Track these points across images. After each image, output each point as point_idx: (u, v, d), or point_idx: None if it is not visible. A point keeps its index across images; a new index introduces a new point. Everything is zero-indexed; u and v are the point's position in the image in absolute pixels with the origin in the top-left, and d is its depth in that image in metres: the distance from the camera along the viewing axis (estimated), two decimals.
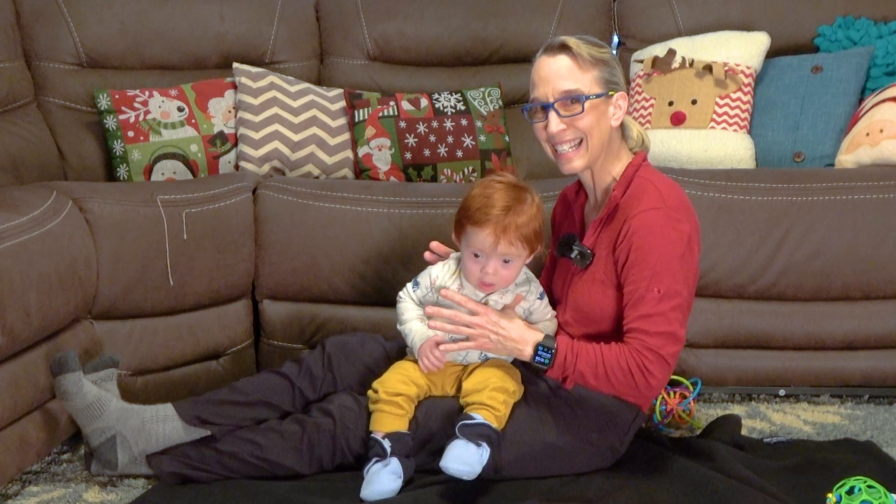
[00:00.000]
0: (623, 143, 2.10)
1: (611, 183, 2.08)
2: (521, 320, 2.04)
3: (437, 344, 2.01)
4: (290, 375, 2.14)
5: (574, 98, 2.00)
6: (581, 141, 2.03)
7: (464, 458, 1.90)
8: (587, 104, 2.00)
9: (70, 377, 2.01)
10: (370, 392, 2.07)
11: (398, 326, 2.09)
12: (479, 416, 1.96)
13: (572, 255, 2.08)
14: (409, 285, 2.10)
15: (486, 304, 2.04)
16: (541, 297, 2.10)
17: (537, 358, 1.98)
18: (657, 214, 1.96)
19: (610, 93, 2.02)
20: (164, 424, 2.05)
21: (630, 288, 1.96)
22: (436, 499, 1.94)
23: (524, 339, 1.99)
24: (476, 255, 1.99)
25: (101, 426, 2.04)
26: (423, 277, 2.09)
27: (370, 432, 2.03)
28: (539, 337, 1.99)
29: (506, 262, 1.99)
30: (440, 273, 2.08)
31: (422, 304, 2.09)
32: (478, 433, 1.94)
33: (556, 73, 2.01)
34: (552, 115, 2.01)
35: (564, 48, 2.01)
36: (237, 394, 2.11)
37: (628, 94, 2.10)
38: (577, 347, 1.97)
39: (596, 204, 2.13)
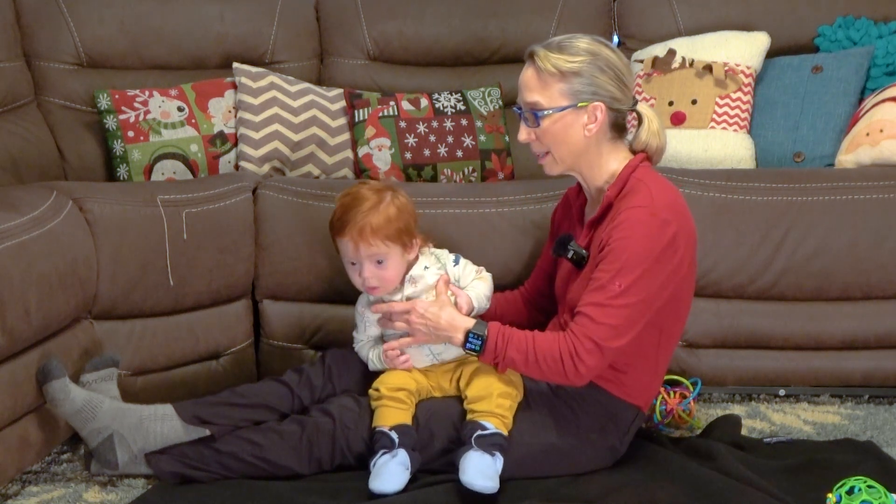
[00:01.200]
0: (616, 146, 2.08)
1: (604, 183, 2.08)
2: (452, 307, 2.06)
3: (388, 349, 2.11)
4: (290, 383, 2.15)
5: (533, 112, 2.02)
6: (548, 152, 2.05)
7: (485, 472, 1.92)
8: (544, 120, 2.01)
9: (55, 384, 2.02)
10: (371, 391, 2.08)
11: (370, 368, 2.17)
12: (492, 425, 1.98)
13: (568, 256, 2.08)
14: (354, 333, 2.20)
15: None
16: (456, 262, 2.16)
17: (468, 345, 2.01)
18: (642, 212, 1.95)
19: (580, 104, 2.00)
20: (162, 423, 2.05)
21: (596, 275, 1.96)
22: (436, 498, 1.94)
23: (454, 326, 2.02)
24: (353, 264, 2.09)
25: (97, 427, 2.04)
26: (356, 318, 2.19)
27: (373, 429, 2.04)
28: (469, 324, 2.02)
29: (379, 262, 2.06)
30: (360, 303, 2.18)
31: (371, 338, 2.18)
32: (491, 443, 1.96)
33: (524, 83, 2.05)
34: (521, 125, 2.07)
35: (531, 58, 2.03)
36: (237, 396, 2.12)
37: (631, 94, 2.06)
38: (507, 333, 1.99)
39: (592, 204, 2.14)
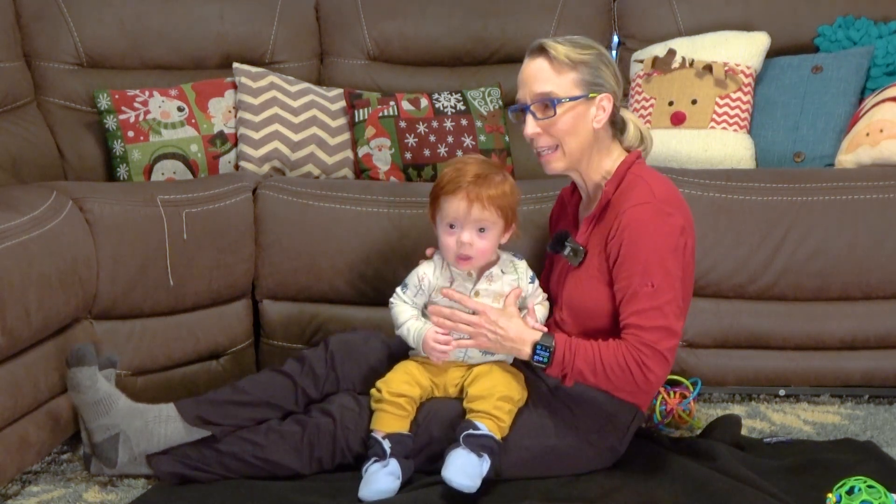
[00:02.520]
0: (614, 142, 2.10)
1: (601, 180, 2.09)
2: (521, 319, 2.04)
3: (437, 336, 2.03)
4: (292, 374, 2.13)
5: (547, 102, 2.01)
6: (557, 146, 2.04)
7: (467, 471, 1.91)
8: (560, 108, 2.01)
9: (86, 371, 2.01)
10: (373, 391, 2.07)
11: (396, 331, 2.09)
12: (484, 427, 1.97)
13: (565, 253, 2.08)
14: (399, 289, 2.10)
15: (476, 295, 2.06)
16: (532, 280, 2.12)
17: (536, 357, 1.99)
18: (647, 209, 1.96)
19: (591, 95, 2.02)
20: (165, 425, 2.05)
21: (623, 284, 1.96)
22: (434, 499, 1.94)
23: (522, 339, 2.00)
24: (451, 227, 2.02)
25: (107, 423, 2.04)
26: (411, 278, 2.10)
27: (371, 431, 2.03)
28: (537, 336, 2.00)
29: (481, 231, 2.01)
30: (427, 271, 2.08)
31: (415, 305, 2.09)
32: (480, 444, 1.95)
33: (533, 75, 2.04)
34: (528, 118, 2.05)
35: (542, 50, 2.03)
36: (239, 394, 2.11)
37: (621, 94, 2.09)
38: (574, 345, 1.98)
39: (588, 201, 2.14)
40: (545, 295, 2.16)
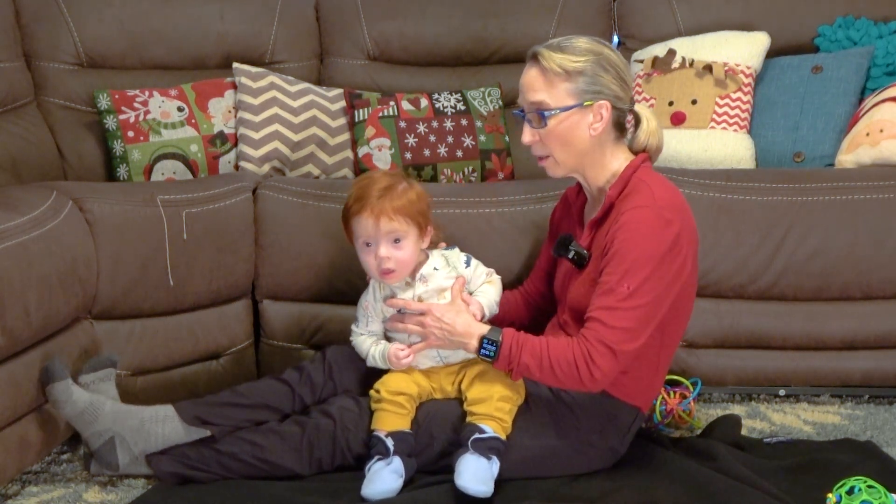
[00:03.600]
0: (619, 145, 2.08)
1: (605, 183, 2.08)
2: (468, 313, 2.05)
3: (397, 346, 2.09)
4: (290, 382, 2.15)
5: (539, 112, 2.01)
6: (549, 155, 2.05)
7: (480, 477, 1.92)
8: (551, 119, 2.00)
9: (58, 386, 2.02)
10: (372, 392, 2.08)
11: (367, 363, 2.14)
12: (490, 429, 1.98)
13: (569, 256, 2.08)
14: (353, 326, 2.17)
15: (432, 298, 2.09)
16: (467, 263, 2.14)
17: (482, 350, 2.00)
18: (646, 212, 1.95)
19: (586, 103, 2.00)
20: (163, 425, 2.05)
21: (603, 278, 1.96)
22: (435, 499, 1.94)
23: (469, 333, 2.01)
24: (367, 245, 2.06)
25: (99, 430, 2.04)
26: (358, 310, 2.17)
27: (372, 431, 2.04)
28: (484, 330, 2.01)
29: (396, 241, 2.04)
30: (367, 298, 2.15)
31: (372, 333, 2.16)
32: (488, 446, 1.96)
33: (528, 84, 2.03)
34: (525, 126, 2.05)
35: (535, 59, 2.02)
36: (238, 396, 2.11)
37: (630, 95, 2.06)
38: (522, 339, 1.98)
39: (593, 204, 2.14)
40: (491, 271, 2.17)
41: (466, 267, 2.13)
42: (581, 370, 1.92)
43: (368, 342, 2.14)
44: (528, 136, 2.04)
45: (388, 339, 2.15)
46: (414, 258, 2.08)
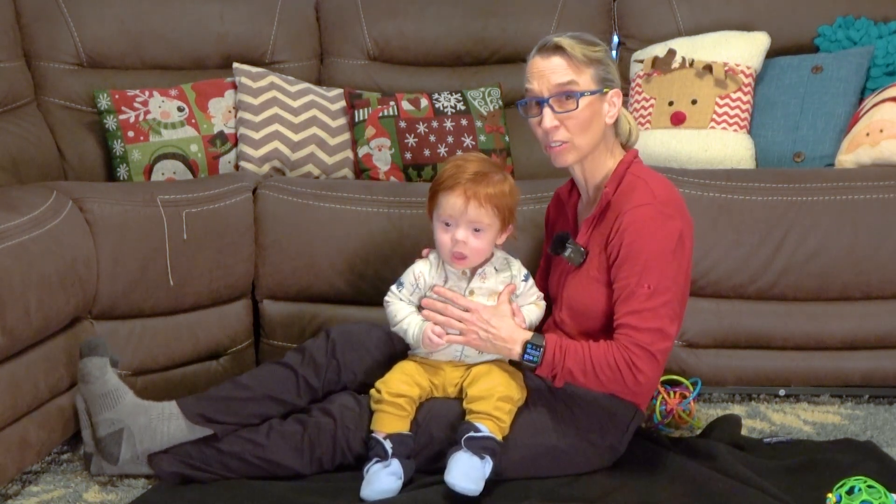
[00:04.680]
0: (616, 140, 2.11)
1: (602, 180, 2.08)
2: (512, 319, 2.04)
3: (434, 328, 2.03)
4: (292, 364, 2.13)
5: (569, 94, 2.01)
6: (567, 140, 2.04)
7: (470, 475, 1.91)
8: (582, 101, 2.00)
9: (97, 361, 2.04)
10: (373, 392, 2.07)
11: (392, 328, 2.09)
12: (485, 428, 1.97)
13: (566, 254, 2.08)
14: (394, 287, 2.10)
15: (471, 294, 2.06)
16: (526, 279, 2.11)
17: (526, 356, 1.99)
18: (648, 210, 1.96)
19: (605, 90, 2.03)
20: (168, 423, 2.05)
21: (621, 283, 1.96)
22: (435, 499, 1.94)
23: (513, 339, 2.00)
24: (447, 224, 2.02)
25: (112, 417, 2.04)
26: (407, 276, 2.10)
27: (371, 432, 2.03)
28: (528, 335, 2.00)
29: (476, 230, 2.00)
30: (423, 269, 2.08)
31: (411, 302, 2.09)
32: (482, 446, 1.95)
33: (553, 68, 2.02)
34: (546, 111, 2.02)
35: (558, 49, 2.02)
36: (241, 389, 2.10)
37: (625, 91, 2.09)
38: (565, 345, 1.98)
39: (588, 202, 2.14)
40: (540, 295, 2.15)
41: (524, 281, 2.11)
42: (625, 375, 1.93)
43: (406, 310, 2.07)
44: (549, 120, 2.02)
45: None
46: (488, 250, 2.05)
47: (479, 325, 2.01)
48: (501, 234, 2.06)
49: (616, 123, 2.09)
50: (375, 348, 2.15)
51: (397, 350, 2.15)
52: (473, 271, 2.07)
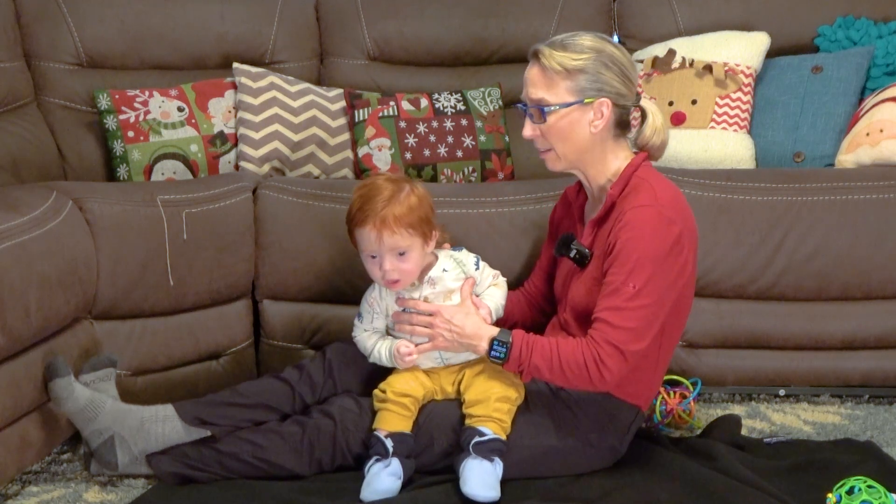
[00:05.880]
0: (619, 143, 2.08)
1: (607, 182, 2.08)
2: (477, 315, 2.05)
3: (403, 344, 2.07)
4: (290, 380, 2.14)
5: (540, 108, 2.01)
6: (550, 149, 2.04)
7: (487, 482, 1.93)
8: (550, 116, 2.00)
9: (59, 382, 2.03)
10: (377, 391, 2.07)
11: (369, 360, 2.12)
12: (489, 431, 1.98)
13: (571, 255, 2.08)
14: (356, 321, 2.15)
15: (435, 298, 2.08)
16: (477, 265, 2.12)
17: (492, 353, 1.99)
18: (649, 211, 1.96)
19: (586, 100, 2.00)
20: (163, 424, 2.05)
21: (608, 279, 1.96)
22: (435, 499, 1.94)
23: (479, 335, 2.01)
24: (373, 257, 2.04)
25: (98, 428, 2.04)
26: (362, 306, 2.15)
27: (373, 430, 2.04)
28: (494, 332, 2.00)
29: (401, 254, 2.02)
30: (374, 295, 2.13)
31: (376, 330, 2.13)
32: (490, 448, 1.96)
33: (530, 80, 2.04)
34: (526, 120, 2.05)
35: (535, 56, 2.02)
36: (238, 396, 2.11)
37: (634, 91, 2.05)
38: (531, 341, 1.98)
39: (594, 203, 2.14)
40: (496, 273, 2.16)
41: (476, 269, 2.12)
42: (591, 371, 1.93)
43: (373, 339, 2.12)
44: (528, 130, 2.05)
45: (390, 334, 2.14)
46: (419, 267, 2.07)
47: (442, 326, 2.03)
48: (427, 244, 2.06)
49: (621, 128, 2.06)
50: (371, 367, 2.16)
51: (393, 368, 2.15)
52: (421, 279, 2.09)
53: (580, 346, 1.94)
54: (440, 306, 2.05)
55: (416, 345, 2.07)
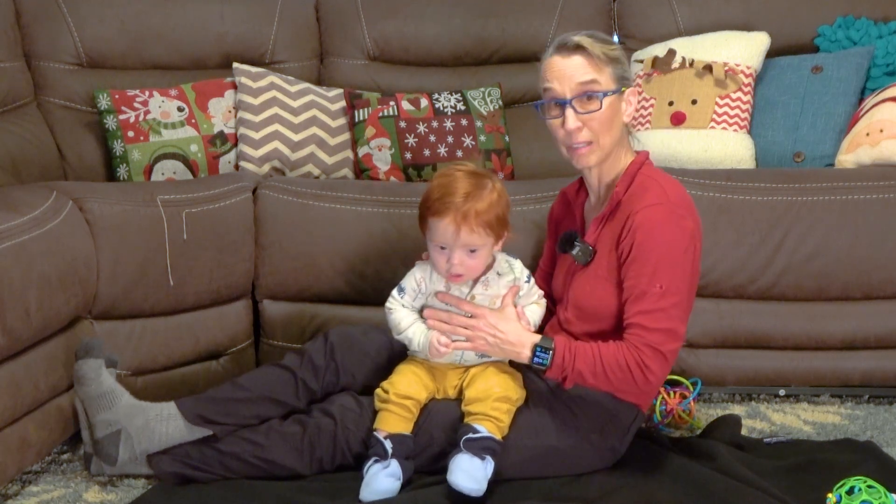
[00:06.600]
0: (627, 139, 2.10)
1: (613, 180, 2.08)
2: (518, 322, 2.03)
3: (440, 338, 2.01)
4: (291, 367, 2.12)
5: (591, 94, 1.99)
6: (591, 141, 2.02)
7: (472, 475, 1.91)
8: (605, 101, 1.99)
9: (91, 363, 2.05)
10: (379, 391, 2.06)
11: (396, 336, 2.07)
12: (484, 429, 1.97)
13: (574, 252, 2.08)
14: (395, 292, 2.08)
15: (473, 299, 2.04)
16: (528, 280, 2.09)
17: (535, 359, 1.98)
18: (660, 210, 1.96)
19: (623, 89, 2.02)
20: (167, 424, 2.05)
21: (631, 283, 1.96)
22: (435, 499, 1.94)
23: (521, 342, 1.99)
24: (441, 248, 1.98)
25: (109, 418, 2.04)
26: (408, 281, 2.07)
27: (373, 430, 2.03)
28: (536, 338, 1.99)
29: (471, 251, 1.98)
30: (424, 274, 2.06)
31: (413, 308, 2.08)
32: (482, 446, 1.95)
33: (575, 68, 2.00)
34: (569, 112, 2.00)
35: (579, 48, 2.00)
36: (240, 390, 2.10)
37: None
38: (574, 347, 1.97)
39: (598, 201, 2.14)
40: (541, 293, 2.14)
41: (526, 282, 2.09)
42: (636, 375, 1.93)
43: (410, 318, 2.05)
44: (572, 121, 1.99)
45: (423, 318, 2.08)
46: (485, 265, 2.03)
47: (486, 330, 2.00)
48: (498, 243, 2.03)
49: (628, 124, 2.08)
50: (374, 350, 2.15)
51: (396, 352, 2.14)
52: (476, 279, 2.05)
53: (622, 350, 1.94)
54: (484, 310, 2.02)
55: (454, 340, 2.03)
